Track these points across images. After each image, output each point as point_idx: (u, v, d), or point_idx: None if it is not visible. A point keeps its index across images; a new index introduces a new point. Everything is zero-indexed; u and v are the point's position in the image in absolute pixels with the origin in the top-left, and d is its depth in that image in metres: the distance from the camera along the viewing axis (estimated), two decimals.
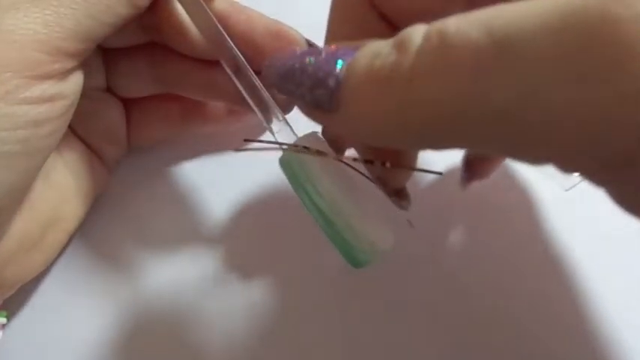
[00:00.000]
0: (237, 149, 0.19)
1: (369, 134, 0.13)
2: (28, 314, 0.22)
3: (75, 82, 0.18)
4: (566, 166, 0.11)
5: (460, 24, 0.11)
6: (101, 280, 0.22)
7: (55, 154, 0.20)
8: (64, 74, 0.17)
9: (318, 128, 0.18)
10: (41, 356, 0.21)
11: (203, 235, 0.23)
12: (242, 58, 0.19)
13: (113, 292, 0.22)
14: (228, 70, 0.19)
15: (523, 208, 0.23)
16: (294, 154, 0.17)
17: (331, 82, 0.13)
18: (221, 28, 0.19)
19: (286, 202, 0.23)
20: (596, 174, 0.11)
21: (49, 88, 0.16)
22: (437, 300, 0.22)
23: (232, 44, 0.18)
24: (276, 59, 0.15)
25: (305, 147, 0.16)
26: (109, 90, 0.22)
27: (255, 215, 0.23)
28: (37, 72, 0.16)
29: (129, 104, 0.23)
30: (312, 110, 0.14)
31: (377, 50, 0.12)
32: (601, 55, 0.09)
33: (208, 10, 0.19)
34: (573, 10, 0.09)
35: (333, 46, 0.14)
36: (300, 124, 0.18)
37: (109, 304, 0.22)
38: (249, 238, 0.23)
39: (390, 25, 0.17)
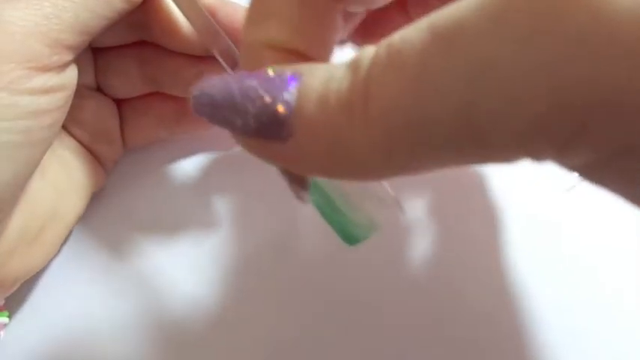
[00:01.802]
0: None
1: (329, 165, 0.12)
2: (28, 314, 0.22)
3: (71, 75, 0.18)
4: (536, 155, 0.10)
5: (404, 32, 0.10)
6: (101, 279, 0.22)
7: (50, 151, 0.20)
8: (63, 66, 0.17)
9: None
10: (42, 356, 0.21)
11: (202, 234, 0.23)
12: (236, 50, 0.19)
13: (113, 291, 0.22)
14: (224, 63, 0.19)
15: (523, 209, 0.23)
16: None
17: (281, 109, 0.11)
18: (213, 21, 0.19)
19: (285, 200, 0.23)
20: (563, 158, 0.10)
21: (49, 79, 0.16)
22: (430, 299, 0.22)
23: (225, 36, 0.19)
24: (209, 85, 0.12)
25: None
26: (99, 90, 0.22)
27: (254, 213, 0.23)
28: (37, 63, 0.16)
29: (123, 105, 0.23)
30: (257, 143, 0.12)
31: (331, 73, 0.11)
32: (533, 14, 0.08)
33: (200, 4, 0.19)
34: None
35: (276, 69, 0.12)
36: None
37: (108, 304, 0.22)
38: (248, 237, 0.23)
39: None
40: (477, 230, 0.23)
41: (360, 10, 0.16)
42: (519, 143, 0.09)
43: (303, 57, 0.14)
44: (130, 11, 0.19)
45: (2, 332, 0.21)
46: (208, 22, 0.19)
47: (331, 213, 0.18)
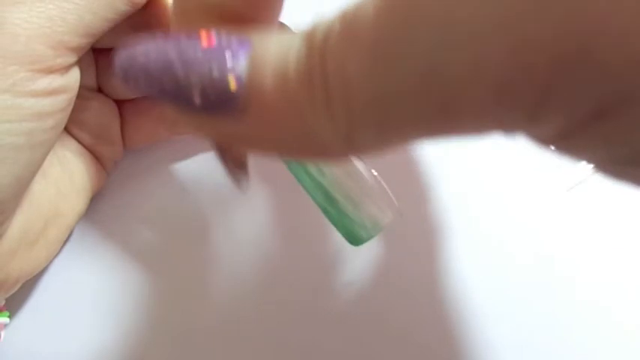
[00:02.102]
0: None
1: (289, 145, 0.11)
2: (29, 314, 0.22)
3: (74, 77, 0.18)
4: (506, 126, 0.09)
5: (359, 2, 0.09)
6: (101, 279, 0.22)
7: (51, 152, 0.20)
8: (66, 68, 0.17)
9: None
10: (42, 356, 0.21)
11: (202, 234, 0.23)
12: None
13: (113, 291, 0.22)
14: None
15: (522, 208, 0.23)
16: None
17: (232, 83, 0.10)
18: None
19: (285, 199, 0.24)
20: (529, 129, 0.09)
21: (52, 81, 0.16)
22: (426, 299, 0.22)
23: None
24: (141, 51, 0.11)
25: None
26: (100, 91, 0.22)
27: (255, 213, 0.24)
28: (41, 65, 0.16)
29: (124, 106, 0.23)
30: (203, 120, 0.11)
31: (285, 44, 0.10)
32: None
33: None
34: None
35: (220, 34, 0.10)
36: None
37: (108, 304, 0.22)
38: (249, 237, 0.23)
39: None
40: (476, 231, 0.23)
41: None
42: (486, 112, 0.08)
43: (248, 21, 0.12)
44: (134, 13, 0.19)
45: (3, 332, 0.21)
46: None
47: (335, 214, 0.18)
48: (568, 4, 0.07)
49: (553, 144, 0.09)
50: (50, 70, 0.16)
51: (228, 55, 0.10)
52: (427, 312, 0.22)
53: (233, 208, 0.24)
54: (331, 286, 0.23)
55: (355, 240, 0.18)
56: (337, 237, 0.18)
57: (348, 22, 0.09)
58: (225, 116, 0.10)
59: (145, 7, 0.20)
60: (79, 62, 0.19)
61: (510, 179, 0.24)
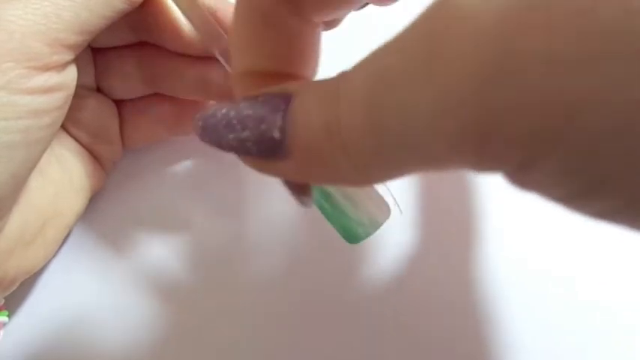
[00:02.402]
0: None
1: (324, 178, 0.13)
2: (28, 314, 0.22)
3: (71, 75, 0.18)
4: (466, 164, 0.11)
5: (351, 70, 0.12)
6: (100, 279, 0.22)
7: (49, 151, 0.20)
8: (62, 66, 0.17)
9: None
10: (41, 355, 0.21)
11: (202, 234, 0.23)
12: None
13: (112, 291, 0.22)
14: (224, 63, 0.19)
15: (522, 208, 0.23)
16: None
17: (276, 134, 0.12)
18: (213, 21, 0.19)
19: (286, 199, 0.23)
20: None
21: (49, 79, 0.16)
22: (428, 299, 0.22)
23: (226, 36, 0.19)
24: (210, 116, 0.14)
25: None
26: (99, 90, 0.22)
27: (254, 212, 0.24)
28: (37, 63, 0.16)
29: (123, 106, 0.23)
30: (260, 162, 0.13)
31: (314, 95, 0.12)
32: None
33: (201, 4, 0.19)
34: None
35: (267, 94, 0.13)
36: None
37: (108, 303, 0.22)
38: (248, 237, 0.23)
39: (291, 7, 0.15)
40: (469, 229, 0.23)
41: (334, 17, 0.16)
42: (447, 161, 0.10)
43: (288, 76, 0.15)
44: (130, 12, 0.19)
45: (2, 331, 0.21)
46: (209, 23, 0.19)
47: (333, 212, 0.18)
48: (481, 101, 0.09)
49: (511, 182, 0.11)
50: (46, 68, 0.16)
51: (272, 111, 0.12)
52: (429, 312, 0.22)
53: (233, 207, 0.24)
54: (331, 286, 0.22)
55: (352, 237, 0.18)
56: (335, 235, 0.18)
57: (347, 89, 0.11)
58: (275, 159, 0.13)
59: (143, 6, 0.20)
60: (77, 61, 0.19)
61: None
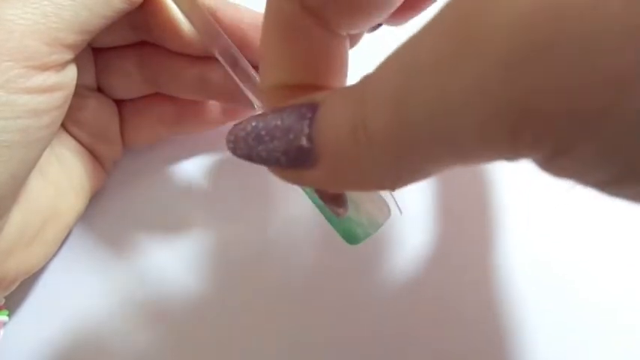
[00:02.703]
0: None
1: (354, 183, 0.13)
2: (28, 313, 0.22)
3: (71, 74, 0.18)
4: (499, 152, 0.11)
5: (378, 68, 0.12)
6: (101, 279, 0.22)
7: (49, 151, 0.20)
8: (62, 66, 0.17)
9: None
10: (41, 354, 0.21)
11: (202, 234, 0.23)
12: (235, 49, 0.19)
13: (112, 291, 0.22)
14: (224, 63, 0.19)
15: (522, 208, 0.23)
16: None
17: (304, 143, 0.13)
18: (213, 21, 0.19)
19: (284, 198, 0.23)
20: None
21: (47, 78, 0.16)
22: (429, 299, 0.22)
23: (225, 35, 0.19)
24: (240, 130, 0.14)
25: None
26: (100, 90, 0.22)
27: (254, 213, 0.23)
28: (35, 62, 0.16)
29: (123, 106, 0.23)
30: (291, 173, 0.14)
31: (340, 101, 0.12)
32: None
33: (201, 4, 0.19)
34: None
35: (294, 104, 0.13)
36: None
37: (108, 303, 0.22)
38: (248, 237, 0.23)
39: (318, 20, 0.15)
40: (475, 230, 0.23)
41: (360, 31, 0.16)
42: (482, 149, 0.10)
43: (317, 88, 0.15)
44: (130, 11, 0.19)
45: (2, 331, 0.21)
46: (208, 22, 0.19)
47: (332, 214, 0.17)
48: (519, 83, 0.09)
49: (544, 169, 0.10)
50: (45, 67, 0.16)
51: (299, 120, 0.13)
52: (423, 314, 0.22)
53: (233, 207, 0.24)
54: (334, 285, 0.22)
55: (352, 238, 0.17)
56: (335, 236, 0.18)
57: (371, 90, 0.11)
58: (304, 168, 0.13)
59: (143, 5, 0.20)
60: (78, 61, 0.19)
61: (510, 179, 0.24)
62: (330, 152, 0.12)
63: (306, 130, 0.13)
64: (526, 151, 0.10)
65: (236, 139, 0.14)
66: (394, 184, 0.12)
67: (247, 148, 0.14)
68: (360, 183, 0.13)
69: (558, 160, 0.10)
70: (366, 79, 0.12)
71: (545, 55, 0.08)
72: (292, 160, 0.13)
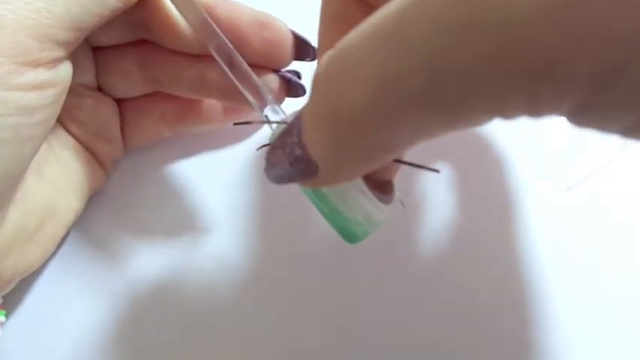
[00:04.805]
0: (236, 123, 0.19)
1: (356, 172, 0.14)
2: (26, 312, 0.22)
3: (64, 72, 0.18)
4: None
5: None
6: (98, 278, 0.22)
7: (47, 149, 0.20)
8: (54, 63, 0.17)
9: None
10: (40, 354, 0.21)
11: (202, 234, 0.23)
12: (231, 47, 0.19)
13: (111, 291, 0.22)
14: (218, 59, 0.19)
15: (521, 208, 0.23)
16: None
17: (297, 152, 0.13)
18: (209, 19, 0.19)
19: (283, 198, 0.23)
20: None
21: (39, 75, 0.16)
22: (424, 294, 0.22)
23: (221, 33, 0.19)
24: (271, 164, 0.15)
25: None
26: (100, 89, 0.22)
27: (254, 213, 0.23)
28: (27, 58, 0.16)
29: (124, 105, 0.23)
30: (307, 182, 0.14)
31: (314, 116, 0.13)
32: None
33: (196, 1, 0.19)
34: None
35: (290, 123, 0.14)
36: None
37: (106, 302, 0.22)
38: (248, 237, 0.23)
39: (366, 9, 0.17)
40: (478, 226, 0.23)
41: None
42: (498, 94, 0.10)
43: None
44: (128, 10, 0.19)
45: (0, 330, 0.21)
46: (204, 20, 0.19)
47: (330, 213, 0.17)
48: (552, 28, 0.09)
49: (579, 117, 0.10)
50: (37, 64, 0.16)
51: (289, 134, 0.14)
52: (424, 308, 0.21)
53: (233, 207, 0.23)
54: (333, 286, 0.22)
55: (350, 237, 0.17)
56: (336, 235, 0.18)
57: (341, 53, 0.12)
58: (311, 174, 0.14)
59: (141, 4, 0.20)
60: (77, 59, 0.18)
61: (510, 179, 0.23)
62: (320, 149, 0.13)
63: (296, 139, 0.13)
64: (547, 111, 0.10)
65: (265, 172, 0.15)
66: (392, 148, 0.12)
67: (271, 176, 0.15)
68: (359, 164, 0.13)
69: (581, 114, 0.10)
70: (340, 60, 0.12)
71: (565, 12, 0.08)
72: (299, 171, 0.14)
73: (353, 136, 0.12)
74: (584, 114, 0.10)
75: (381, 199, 0.18)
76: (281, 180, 0.15)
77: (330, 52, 0.12)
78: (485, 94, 0.10)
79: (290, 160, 0.14)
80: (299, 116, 0.14)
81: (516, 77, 0.09)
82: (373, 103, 0.11)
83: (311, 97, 0.13)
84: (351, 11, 0.17)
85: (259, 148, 0.19)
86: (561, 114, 0.10)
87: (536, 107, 0.10)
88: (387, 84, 0.11)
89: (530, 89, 0.09)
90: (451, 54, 0.10)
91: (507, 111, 0.10)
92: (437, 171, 0.17)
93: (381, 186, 0.18)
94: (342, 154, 0.13)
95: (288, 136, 0.14)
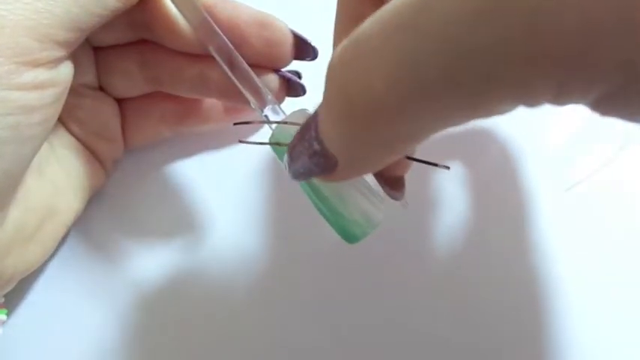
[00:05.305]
0: (236, 123, 0.19)
1: (373, 165, 0.14)
2: (27, 311, 0.22)
3: (65, 72, 0.18)
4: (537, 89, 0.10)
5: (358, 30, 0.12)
6: (99, 277, 0.22)
7: (48, 149, 0.20)
8: (54, 63, 0.17)
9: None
10: (40, 353, 0.21)
11: (202, 234, 0.23)
12: (231, 46, 0.19)
13: (112, 291, 0.22)
14: (218, 59, 0.19)
15: (521, 208, 0.23)
16: (284, 132, 0.17)
17: (316, 146, 0.13)
18: (209, 18, 0.19)
19: (283, 198, 0.23)
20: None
21: (39, 75, 0.16)
22: (427, 293, 0.22)
23: (221, 33, 0.19)
24: (292, 160, 0.15)
25: (294, 123, 0.16)
26: (101, 89, 0.22)
27: (254, 213, 0.23)
28: (26, 58, 0.16)
29: (125, 105, 0.23)
30: (327, 177, 0.14)
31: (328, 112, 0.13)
32: None
33: (196, 1, 0.19)
34: None
35: (309, 120, 0.14)
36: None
37: (106, 302, 0.22)
38: (248, 237, 0.23)
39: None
40: (481, 225, 0.23)
41: None
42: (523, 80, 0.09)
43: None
44: (128, 10, 0.19)
45: (1, 329, 0.21)
46: (204, 19, 0.19)
47: (328, 213, 0.17)
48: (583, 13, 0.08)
49: (604, 105, 0.10)
50: (36, 64, 0.16)
51: (308, 129, 0.14)
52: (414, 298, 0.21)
53: (233, 207, 0.23)
54: (336, 286, 0.22)
55: (349, 237, 0.17)
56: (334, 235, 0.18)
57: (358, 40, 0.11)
58: (331, 168, 0.14)
59: (142, 4, 0.20)
60: (78, 59, 0.18)
61: (510, 179, 0.23)
62: (337, 144, 0.13)
63: (314, 134, 0.13)
64: (573, 98, 0.09)
65: (291, 172, 0.15)
66: (406, 145, 0.12)
67: (292, 173, 0.15)
68: (377, 156, 0.13)
69: (607, 102, 0.09)
70: (355, 48, 0.11)
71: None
72: (318, 166, 0.14)
73: (371, 125, 0.12)
74: (612, 102, 0.09)
75: (391, 196, 0.18)
76: (301, 176, 0.15)
77: (343, 43, 0.12)
78: (511, 79, 0.09)
79: (309, 155, 0.14)
80: (316, 111, 0.14)
81: (546, 62, 0.09)
82: (393, 89, 0.10)
83: (326, 89, 0.12)
84: (367, 10, 0.16)
85: (241, 141, 0.19)
86: (585, 102, 0.10)
87: (563, 94, 0.09)
88: (407, 69, 0.10)
89: (560, 75, 0.09)
90: (476, 36, 0.09)
91: (532, 98, 0.10)
92: (447, 168, 0.17)
93: (393, 182, 0.18)
94: (359, 146, 0.13)
95: (307, 130, 0.14)
